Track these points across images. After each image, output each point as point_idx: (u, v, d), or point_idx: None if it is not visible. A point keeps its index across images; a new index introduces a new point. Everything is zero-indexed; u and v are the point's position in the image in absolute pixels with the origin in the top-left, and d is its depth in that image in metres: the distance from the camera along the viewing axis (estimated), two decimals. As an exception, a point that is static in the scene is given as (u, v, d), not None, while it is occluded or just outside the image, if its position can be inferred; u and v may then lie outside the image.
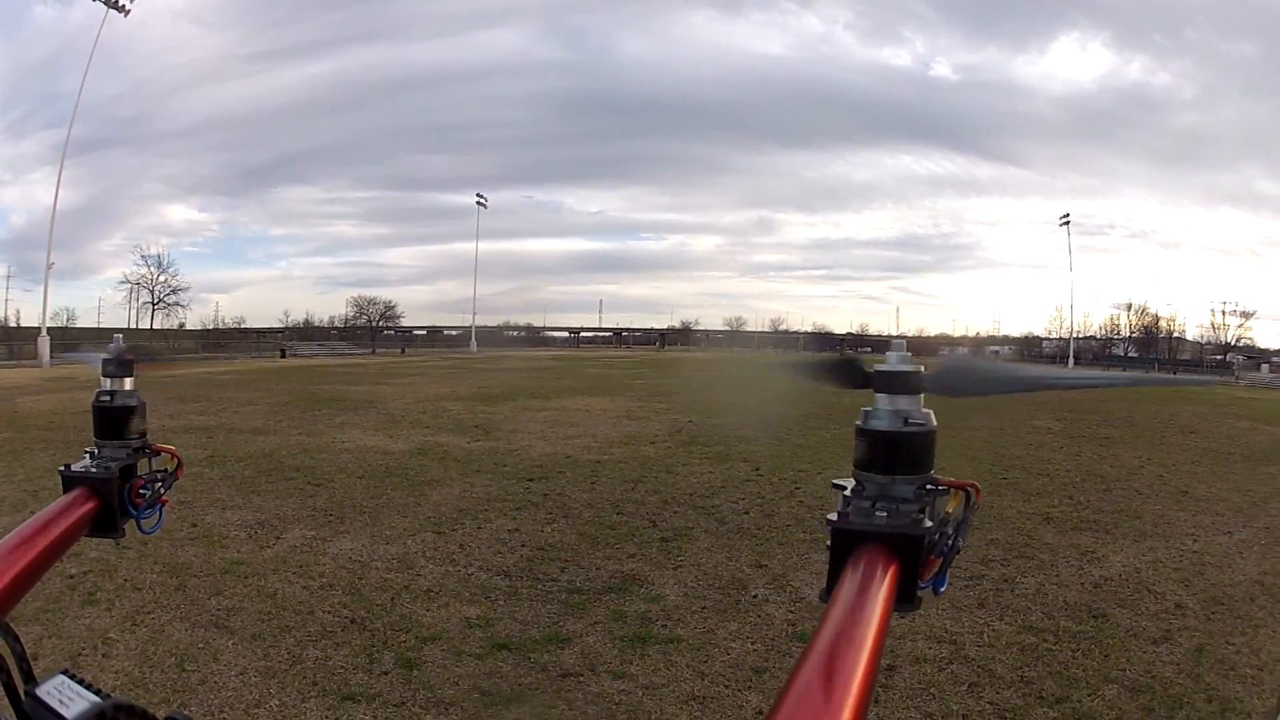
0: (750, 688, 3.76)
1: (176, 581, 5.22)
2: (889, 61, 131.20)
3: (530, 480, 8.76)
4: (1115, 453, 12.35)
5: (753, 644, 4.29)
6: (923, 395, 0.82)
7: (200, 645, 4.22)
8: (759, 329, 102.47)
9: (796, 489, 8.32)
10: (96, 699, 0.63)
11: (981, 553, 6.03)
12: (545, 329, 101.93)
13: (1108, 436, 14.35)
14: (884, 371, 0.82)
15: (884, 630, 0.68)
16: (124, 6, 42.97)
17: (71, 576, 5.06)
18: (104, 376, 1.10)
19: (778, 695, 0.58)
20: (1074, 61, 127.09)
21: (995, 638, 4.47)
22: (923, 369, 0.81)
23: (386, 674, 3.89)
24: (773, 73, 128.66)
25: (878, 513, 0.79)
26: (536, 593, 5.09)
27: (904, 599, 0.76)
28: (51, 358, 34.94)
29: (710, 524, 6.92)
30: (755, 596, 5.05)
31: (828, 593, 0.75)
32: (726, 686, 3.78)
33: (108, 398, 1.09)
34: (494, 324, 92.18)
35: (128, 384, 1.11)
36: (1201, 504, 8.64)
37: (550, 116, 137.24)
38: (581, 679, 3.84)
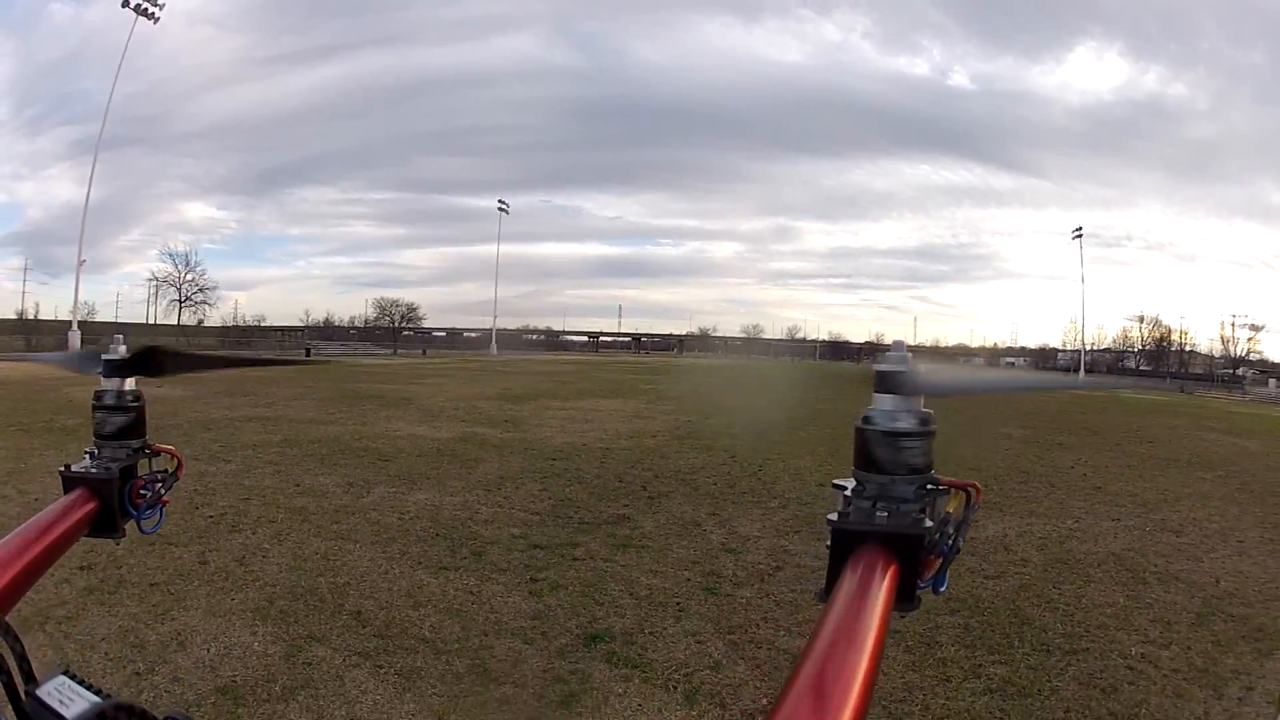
0: (686, 569, 6.33)
1: (300, 517, 7.74)
2: (906, 70, 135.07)
3: (553, 460, 11.42)
4: (1056, 455, 14.04)
5: (694, 552, 6.87)
6: (923, 395, 0.86)
7: (334, 549, 6.71)
8: (776, 336, 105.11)
9: (760, 471, 10.86)
10: (97, 699, 0.66)
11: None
12: (564, 333, 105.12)
13: (1060, 443, 15.79)
14: (883, 371, 0.87)
15: (884, 630, 0.70)
16: (154, 15, 46.03)
17: (212, 516, 7.49)
18: (104, 376, 1.13)
19: (778, 694, 0.62)
20: (1090, 71, 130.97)
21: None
22: (922, 369, 0.86)
23: (465, 558, 6.50)
24: (790, 80, 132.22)
25: (878, 513, 0.84)
26: (558, 523, 7.72)
27: (904, 599, 0.80)
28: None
29: (686, 490, 9.50)
30: (704, 529, 7.64)
31: (827, 592, 0.78)
32: (672, 568, 6.37)
33: (108, 397, 1.13)
34: (513, 327, 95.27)
35: (128, 384, 1.14)
36: (1109, 498, 10.21)
37: (565, 122, 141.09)
38: (586, 562, 6.46)
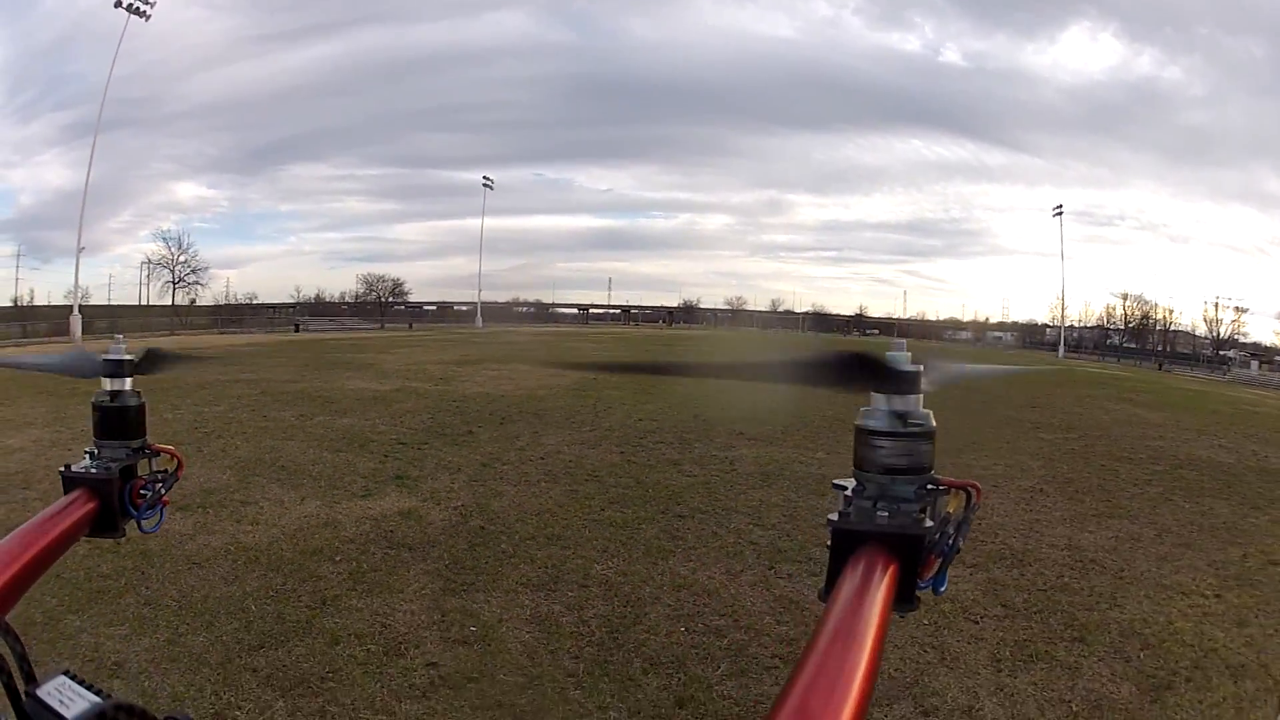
0: (482, 456, 10.63)
1: (263, 431, 11.99)
2: (898, 46, 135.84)
3: (455, 402, 15.82)
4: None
5: (498, 449, 11.17)
6: (923, 395, 0.89)
7: (280, 445, 10.97)
8: (758, 309, 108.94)
9: (606, 410, 15.11)
10: (97, 699, 0.68)
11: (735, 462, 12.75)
12: (554, 305, 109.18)
13: (934, 405, 19.12)
14: (883, 371, 0.88)
15: (884, 630, 0.73)
16: (145, 12, 49.16)
17: (205, 433, 11.72)
18: (104, 376, 1.16)
19: (778, 694, 0.64)
20: (1084, 52, 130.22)
21: (709, 488, 11.19)
22: (922, 369, 0.89)
23: (355, 447, 10.82)
24: (781, 56, 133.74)
25: (878, 513, 0.86)
26: (426, 433, 12.12)
27: (903, 599, 0.82)
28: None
29: (532, 419, 13.84)
30: (519, 440, 11.92)
31: (827, 592, 0.80)
32: (475, 455, 10.71)
33: (108, 398, 1.16)
34: (503, 300, 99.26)
35: (128, 384, 1.18)
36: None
37: (559, 99, 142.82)
38: (426, 450, 10.84)
